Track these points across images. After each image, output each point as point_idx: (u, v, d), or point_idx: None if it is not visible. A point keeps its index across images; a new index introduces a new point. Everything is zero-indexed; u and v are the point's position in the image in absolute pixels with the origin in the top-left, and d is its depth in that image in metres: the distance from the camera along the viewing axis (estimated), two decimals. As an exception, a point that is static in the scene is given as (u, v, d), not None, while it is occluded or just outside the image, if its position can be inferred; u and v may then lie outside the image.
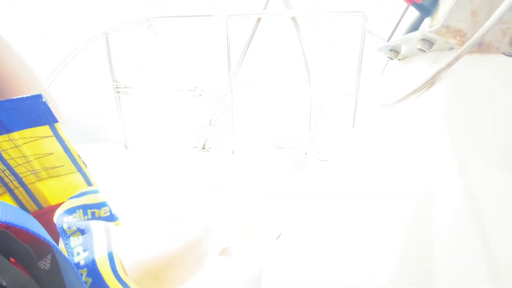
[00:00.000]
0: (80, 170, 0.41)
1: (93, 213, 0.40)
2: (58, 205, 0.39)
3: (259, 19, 1.80)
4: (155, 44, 1.83)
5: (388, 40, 0.47)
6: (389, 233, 0.32)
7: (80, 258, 0.33)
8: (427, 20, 0.36)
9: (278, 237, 0.87)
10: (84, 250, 0.33)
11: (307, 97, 1.98)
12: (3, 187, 0.36)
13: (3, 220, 0.22)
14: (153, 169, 1.70)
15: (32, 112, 0.37)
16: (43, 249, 0.28)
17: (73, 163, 0.40)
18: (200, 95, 1.93)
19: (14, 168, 0.37)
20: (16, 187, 0.37)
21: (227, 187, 1.42)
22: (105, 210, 0.41)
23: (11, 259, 0.28)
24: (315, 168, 1.68)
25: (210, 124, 1.98)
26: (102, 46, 1.91)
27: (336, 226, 0.43)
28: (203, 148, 2.02)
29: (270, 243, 0.85)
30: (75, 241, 0.33)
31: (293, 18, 1.83)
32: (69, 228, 0.34)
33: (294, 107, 2.04)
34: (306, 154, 1.99)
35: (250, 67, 1.91)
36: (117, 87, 1.99)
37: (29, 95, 0.36)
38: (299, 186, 1.41)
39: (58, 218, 0.36)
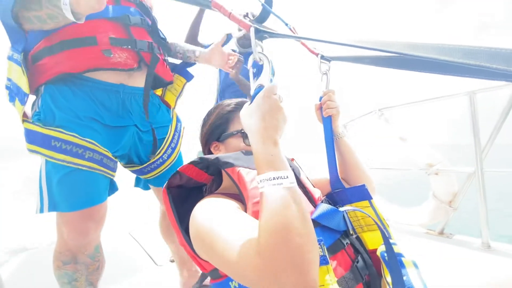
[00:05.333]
0: (385, 228, 0.62)
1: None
2: (373, 249, 0.62)
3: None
4: (387, 130, 2.07)
5: None
6: None
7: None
8: None
9: None
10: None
11: None
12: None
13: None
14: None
15: (361, 193, 0.67)
16: None
17: (381, 223, 0.62)
18: (437, 174, 1.82)
19: (352, 223, 0.65)
20: (353, 234, 0.63)
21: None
22: (406, 260, 0.57)
23: None
24: None
25: (450, 206, 1.76)
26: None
27: None
28: (441, 234, 1.78)
29: None
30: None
31: None
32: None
33: None
34: None
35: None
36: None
37: (361, 184, 0.67)
38: None
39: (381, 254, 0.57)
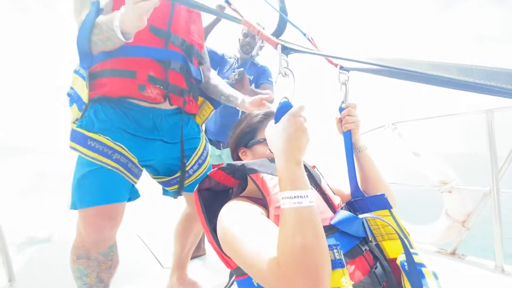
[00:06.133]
0: (406, 237, 0.62)
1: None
2: (393, 258, 0.62)
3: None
4: (400, 145, 2.05)
5: None
6: None
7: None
8: None
9: None
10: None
11: None
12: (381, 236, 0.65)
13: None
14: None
15: (381, 202, 0.66)
16: None
17: (402, 232, 0.62)
18: (450, 192, 1.78)
19: (372, 231, 0.65)
20: (373, 241, 0.65)
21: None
22: (426, 270, 0.57)
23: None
24: None
25: (463, 226, 1.71)
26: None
27: None
28: (453, 254, 1.73)
29: None
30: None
31: None
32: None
33: None
34: None
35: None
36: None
37: (380, 193, 0.66)
38: None
39: (401, 263, 0.58)
